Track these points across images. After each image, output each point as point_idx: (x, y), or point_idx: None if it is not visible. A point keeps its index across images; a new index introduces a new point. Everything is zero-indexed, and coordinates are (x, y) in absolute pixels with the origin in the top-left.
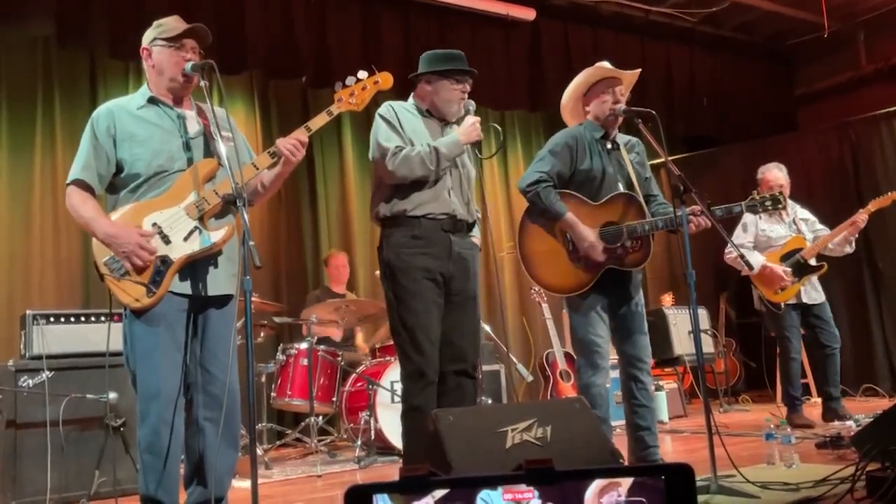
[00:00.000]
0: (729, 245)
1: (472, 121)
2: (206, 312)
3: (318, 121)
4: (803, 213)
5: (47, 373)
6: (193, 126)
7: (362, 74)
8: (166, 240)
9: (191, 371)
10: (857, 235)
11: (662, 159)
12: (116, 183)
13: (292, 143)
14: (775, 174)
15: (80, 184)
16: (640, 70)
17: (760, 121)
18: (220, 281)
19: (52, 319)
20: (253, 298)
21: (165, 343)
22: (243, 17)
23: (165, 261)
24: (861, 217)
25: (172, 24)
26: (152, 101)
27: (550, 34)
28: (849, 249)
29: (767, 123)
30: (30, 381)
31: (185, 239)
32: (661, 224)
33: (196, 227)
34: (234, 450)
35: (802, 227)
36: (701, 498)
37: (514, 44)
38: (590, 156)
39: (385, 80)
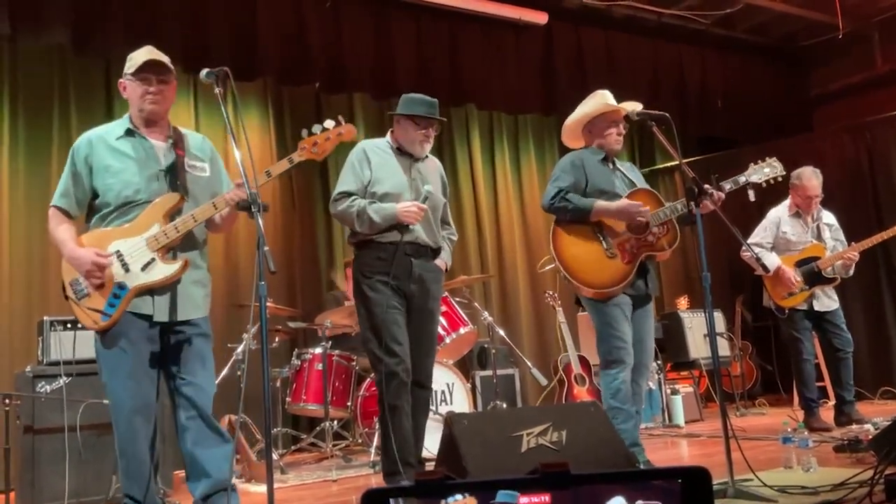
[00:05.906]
0: (744, 245)
1: (413, 206)
2: (175, 328)
3: (279, 167)
4: (829, 218)
5: (64, 378)
6: (165, 158)
7: (329, 124)
8: (126, 268)
9: (166, 382)
10: (851, 266)
11: (677, 162)
12: (93, 207)
13: (230, 197)
14: (813, 183)
15: (59, 209)
16: (640, 106)
17: (775, 122)
18: (185, 307)
19: (69, 326)
20: (268, 304)
21: (131, 359)
22: (256, 24)
23: (123, 286)
24: (850, 254)
25: (139, 57)
26: (129, 132)
27: (563, 37)
28: (844, 275)
29: (782, 125)
30: (47, 387)
31: (143, 269)
32: (679, 207)
33: (153, 259)
34: (223, 440)
35: (825, 234)
36: (718, 502)
37: (526, 48)
38: (598, 175)
39: (348, 132)
